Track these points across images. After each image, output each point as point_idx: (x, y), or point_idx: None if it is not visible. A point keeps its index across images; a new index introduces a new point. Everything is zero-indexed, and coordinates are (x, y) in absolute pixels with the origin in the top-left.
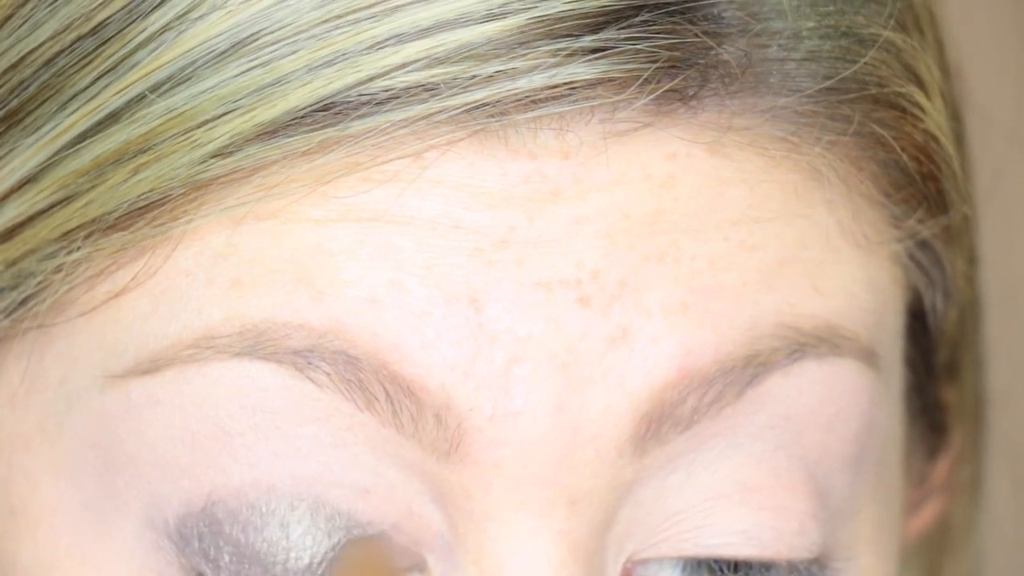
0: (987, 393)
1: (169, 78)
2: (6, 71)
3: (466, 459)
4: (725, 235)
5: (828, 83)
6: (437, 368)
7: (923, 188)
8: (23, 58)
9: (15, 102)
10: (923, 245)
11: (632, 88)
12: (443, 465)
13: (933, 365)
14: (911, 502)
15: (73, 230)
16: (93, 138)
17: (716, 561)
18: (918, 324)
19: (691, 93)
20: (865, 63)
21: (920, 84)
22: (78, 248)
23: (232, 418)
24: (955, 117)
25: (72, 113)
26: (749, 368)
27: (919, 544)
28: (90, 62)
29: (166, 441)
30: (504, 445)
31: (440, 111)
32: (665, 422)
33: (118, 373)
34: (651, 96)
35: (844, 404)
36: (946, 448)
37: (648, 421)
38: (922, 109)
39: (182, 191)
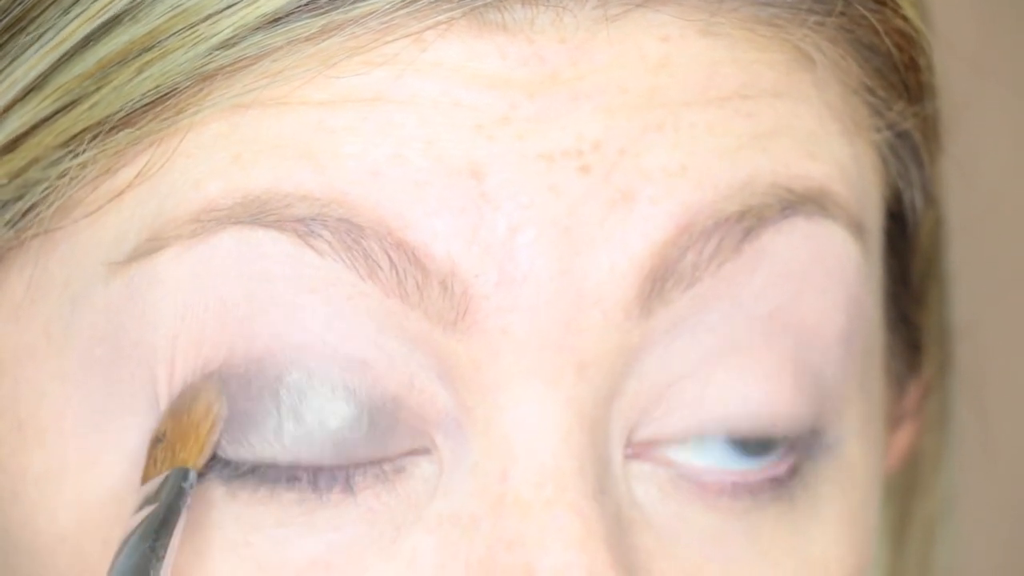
0: (952, 324)
1: None
2: None
3: (473, 327)
4: (720, 106)
5: None
6: (441, 235)
7: (904, 77)
8: None
9: (17, 10)
10: (902, 137)
11: None
12: (449, 335)
13: (909, 274)
14: (892, 417)
15: (79, 133)
16: (97, 41)
17: (715, 436)
18: (896, 227)
19: None
20: None
21: None
22: (83, 151)
23: (230, 287)
24: (924, 16)
25: (75, 18)
26: (743, 222)
27: (889, 485)
28: None
29: (168, 320)
30: (511, 311)
31: None
32: (668, 279)
33: (120, 260)
34: None
35: (833, 268)
36: (918, 369)
37: (652, 279)
38: None
39: (187, 84)
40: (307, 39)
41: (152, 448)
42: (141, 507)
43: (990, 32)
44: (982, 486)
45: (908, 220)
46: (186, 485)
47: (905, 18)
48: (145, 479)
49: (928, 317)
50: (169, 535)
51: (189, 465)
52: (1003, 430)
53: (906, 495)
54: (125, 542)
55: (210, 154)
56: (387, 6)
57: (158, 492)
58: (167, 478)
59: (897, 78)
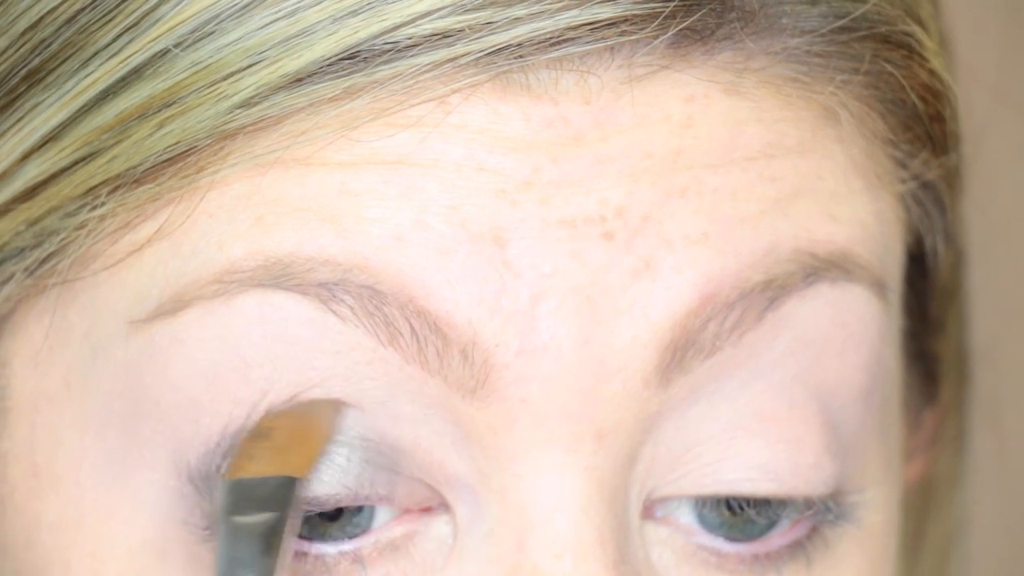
0: (970, 347)
1: (193, 31)
2: (27, 30)
3: (492, 396)
4: (744, 168)
5: (838, 23)
6: (463, 304)
7: (929, 129)
8: (43, 16)
9: (36, 61)
10: (926, 186)
11: (651, 26)
12: (468, 403)
13: (928, 311)
14: (906, 451)
15: (97, 186)
16: (117, 94)
17: (734, 498)
18: (915, 268)
19: (708, 32)
20: (873, 3)
21: (922, 24)
22: (102, 204)
23: (253, 348)
24: (948, 60)
25: (95, 70)
26: (767, 291)
27: (904, 503)
28: (113, 18)
29: (189, 380)
30: (531, 380)
31: (464, 55)
32: (688, 349)
33: (142, 318)
34: (670, 33)
35: (856, 330)
36: (935, 400)
37: (673, 350)
38: (926, 49)
39: (208, 142)
40: (330, 101)
41: (250, 442)
42: (247, 510)
43: (1012, 58)
44: (997, 506)
45: (928, 262)
46: (299, 495)
47: (932, 72)
48: (237, 472)
49: (946, 344)
50: (283, 546)
51: (300, 475)
52: (1019, 450)
53: (921, 513)
54: (235, 542)
55: (232, 215)
56: (411, 69)
57: (272, 497)
58: (282, 484)
59: (922, 130)
